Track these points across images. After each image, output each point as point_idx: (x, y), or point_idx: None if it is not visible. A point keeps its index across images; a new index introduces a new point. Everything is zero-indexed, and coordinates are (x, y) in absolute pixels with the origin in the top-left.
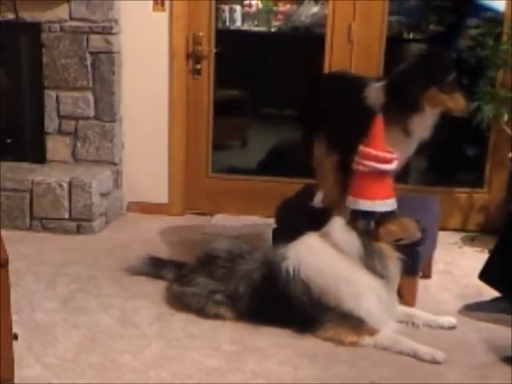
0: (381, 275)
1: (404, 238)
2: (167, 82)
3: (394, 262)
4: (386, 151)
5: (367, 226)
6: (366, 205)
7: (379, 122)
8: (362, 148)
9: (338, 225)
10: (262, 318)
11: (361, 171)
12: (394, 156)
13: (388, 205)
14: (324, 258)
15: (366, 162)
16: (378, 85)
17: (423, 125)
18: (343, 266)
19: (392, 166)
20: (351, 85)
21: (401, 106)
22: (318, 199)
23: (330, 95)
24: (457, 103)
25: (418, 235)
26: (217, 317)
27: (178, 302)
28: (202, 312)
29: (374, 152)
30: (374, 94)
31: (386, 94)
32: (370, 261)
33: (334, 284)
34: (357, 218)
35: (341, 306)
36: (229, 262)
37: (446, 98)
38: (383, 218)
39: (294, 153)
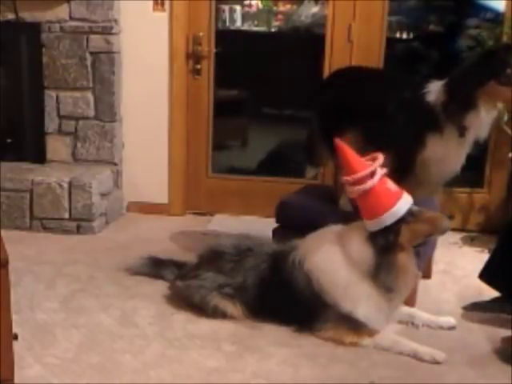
0: (388, 289)
1: (433, 232)
2: (167, 82)
3: (407, 277)
4: (363, 168)
5: (387, 240)
6: (376, 223)
7: (342, 146)
8: (343, 180)
9: (357, 236)
10: (265, 310)
11: (355, 197)
12: (373, 167)
13: (397, 212)
14: (330, 260)
15: (352, 189)
16: (440, 82)
17: (479, 123)
18: (346, 273)
19: (376, 178)
20: (403, 81)
21: (458, 104)
22: (344, 201)
23: (375, 90)
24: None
25: (447, 224)
26: (216, 310)
27: (181, 297)
28: (202, 305)
29: (351, 179)
30: (435, 91)
31: (446, 93)
32: (380, 276)
33: (333, 287)
34: (375, 236)
35: (338, 307)
36: (237, 256)
37: (504, 90)
38: (399, 224)
39: (295, 153)
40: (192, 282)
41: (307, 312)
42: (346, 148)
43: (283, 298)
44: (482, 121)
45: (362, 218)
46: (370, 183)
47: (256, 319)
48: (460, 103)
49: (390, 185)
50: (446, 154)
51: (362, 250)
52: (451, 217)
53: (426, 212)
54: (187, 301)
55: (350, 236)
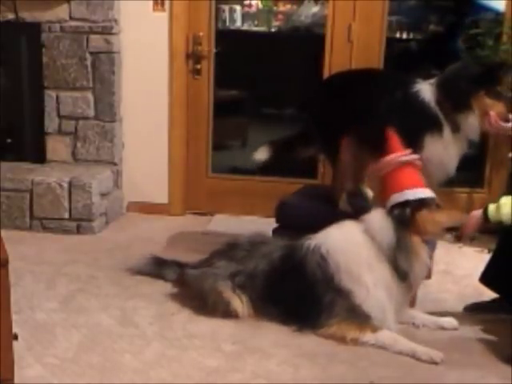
0: (403, 275)
1: (455, 227)
2: (167, 82)
3: (421, 263)
4: (402, 150)
5: (403, 213)
6: (397, 197)
7: (393, 135)
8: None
9: (376, 212)
10: (274, 298)
11: (383, 175)
12: (411, 152)
13: (419, 193)
14: (352, 240)
15: (389, 164)
16: (431, 81)
17: (472, 124)
18: (368, 252)
19: (412, 157)
20: (394, 81)
21: (453, 103)
22: (343, 203)
23: (368, 94)
24: (498, 109)
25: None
26: (219, 299)
27: (189, 285)
28: (209, 291)
29: (394, 155)
30: (428, 90)
31: (440, 90)
32: (398, 255)
33: (354, 267)
34: (393, 209)
35: (351, 294)
36: (250, 246)
37: (490, 102)
38: (419, 205)
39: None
40: (205, 269)
41: (315, 301)
42: (394, 138)
43: (292, 285)
44: (474, 123)
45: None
46: (405, 157)
47: (260, 311)
48: (455, 103)
49: (421, 176)
50: (443, 152)
51: (383, 223)
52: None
53: (449, 209)
54: (195, 288)
55: (370, 217)
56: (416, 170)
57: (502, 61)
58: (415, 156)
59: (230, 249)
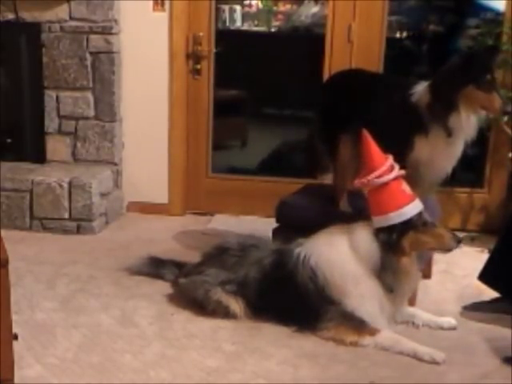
0: (390, 290)
1: (437, 248)
2: (167, 82)
3: (410, 279)
4: (382, 163)
5: (390, 238)
6: (383, 220)
7: (367, 139)
8: (361, 178)
9: (364, 231)
10: (267, 306)
11: (367, 192)
12: (392, 163)
13: (405, 213)
14: (338, 254)
15: (368, 182)
16: (425, 84)
17: (462, 124)
18: (354, 267)
19: (393, 174)
20: (394, 83)
21: (441, 105)
22: (344, 203)
23: (369, 93)
24: (492, 102)
25: (454, 246)
26: (218, 306)
27: (183, 294)
28: (205, 300)
29: (371, 176)
30: (420, 92)
31: (430, 93)
32: (383, 275)
33: (340, 281)
34: (379, 232)
35: (343, 304)
36: (241, 251)
37: (482, 95)
38: (406, 227)
39: (295, 153)
40: (195, 277)
41: (309, 310)
42: (370, 141)
43: (285, 294)
44: (464, 123)
45: (370, 214)
46: (385, 178)
47: (257, 316)
48: (442, 104)
49: (405, 187)
50: (433, 154)
51: (369, 245)
52: (460, 241)
53: (437, 227)
54: (189, 297)
55: (357, 232)
56: (400, 182)
57: (489, 45)
58: (396, 171)
59: (221, 253)
